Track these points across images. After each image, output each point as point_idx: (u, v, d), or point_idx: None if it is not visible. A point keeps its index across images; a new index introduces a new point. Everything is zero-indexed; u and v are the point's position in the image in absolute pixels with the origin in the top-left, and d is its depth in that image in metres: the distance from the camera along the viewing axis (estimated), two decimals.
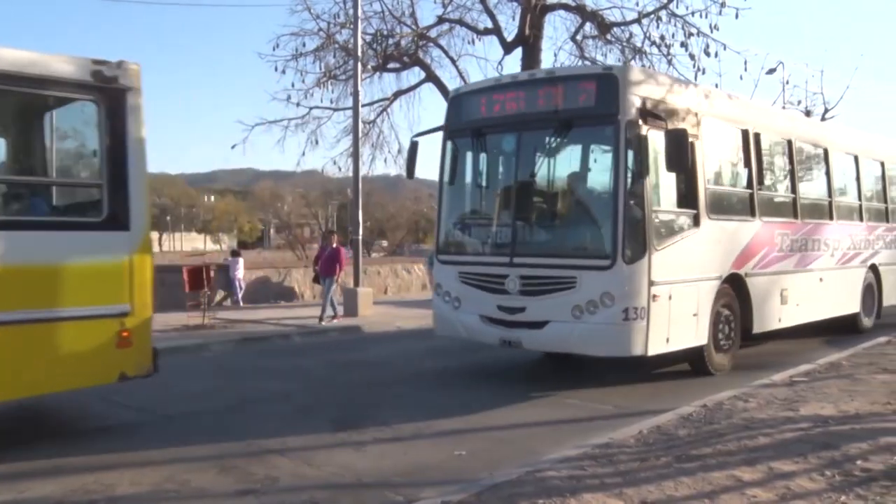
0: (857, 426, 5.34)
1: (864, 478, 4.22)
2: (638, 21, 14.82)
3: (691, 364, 8.11)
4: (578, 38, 15.82)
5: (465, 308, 7.89)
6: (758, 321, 8.67)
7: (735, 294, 8.32)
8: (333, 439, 5.56)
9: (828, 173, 10.71)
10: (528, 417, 6.29)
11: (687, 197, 7.70)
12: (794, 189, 9.77)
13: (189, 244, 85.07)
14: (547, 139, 7.60)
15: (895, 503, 3.86)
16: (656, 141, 7.23)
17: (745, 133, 8.86)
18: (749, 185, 8.84)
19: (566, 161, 8.13)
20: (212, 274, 14.71)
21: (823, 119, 28.89)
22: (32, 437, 5.96)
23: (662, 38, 14.49)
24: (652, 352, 7.00)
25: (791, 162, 9.79)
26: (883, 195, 12.61)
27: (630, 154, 7.05)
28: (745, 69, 15.27)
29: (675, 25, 14.36)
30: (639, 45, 14.99)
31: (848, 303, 10.96)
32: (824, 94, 28.64)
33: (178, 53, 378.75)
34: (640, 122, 7.12)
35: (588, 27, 15.79)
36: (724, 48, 14.30)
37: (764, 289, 8.82)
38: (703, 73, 14.38)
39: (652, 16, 14.45)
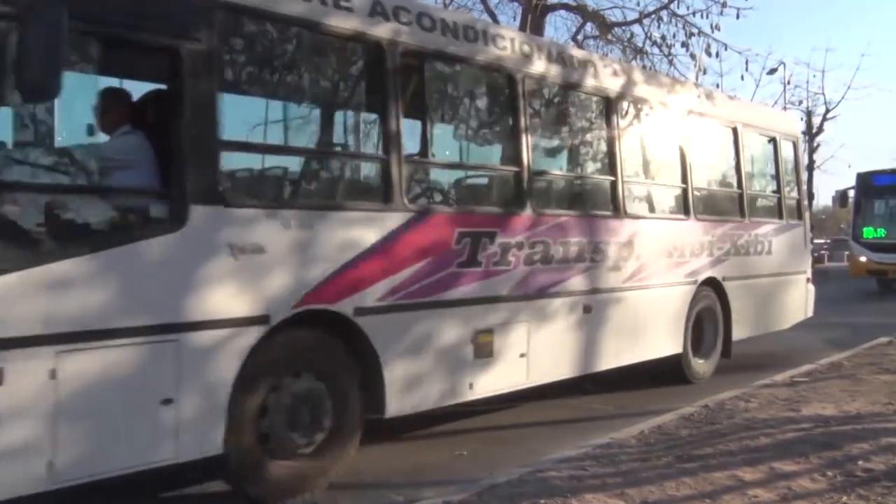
0: (859, 426, 5.33)
1: (866, 478, 4.21)
2: (639, 21, 14.85)
3: (230, 483, 4.38)
4: (579, 38, 15.83)
5: None
6: (400, 394, 4.84)
7: (334, 350, 4.57)
8: None
9: (612, 139, 6.71)
10: (528, 418, 6.29)
11: (166, 167, 4.02)
12: (519, 160, 5.76)
13: None
14: None
15: None
16: None
17: (380, 54, 4.90)
18: (385, 148, 4.92)
19: None
20: None
21: (825, 120, 28.95)
22: None
23: (663, 38, 14.50)
24: None
25: (516, 114, 5.81)
26: (737, 177, 8.41)
27: None
28: (747, 69, 15.32)
29: (676, 25, 14.37)
30: (640, 45, 15.01)
31: (659, 341, 7.13)
32: (825, 95, 28.66)
33: None
34: None
35: (589, 27, 15.81)
36: (726, 48, 14.33)
37: (416, 335, 4.96)
38: (705, 73, 14.41)
39: (653, 16, 14.47)
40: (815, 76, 28.80)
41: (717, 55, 14.30)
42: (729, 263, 8.01)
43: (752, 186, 8.73)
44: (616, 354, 6.62)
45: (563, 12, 15.97)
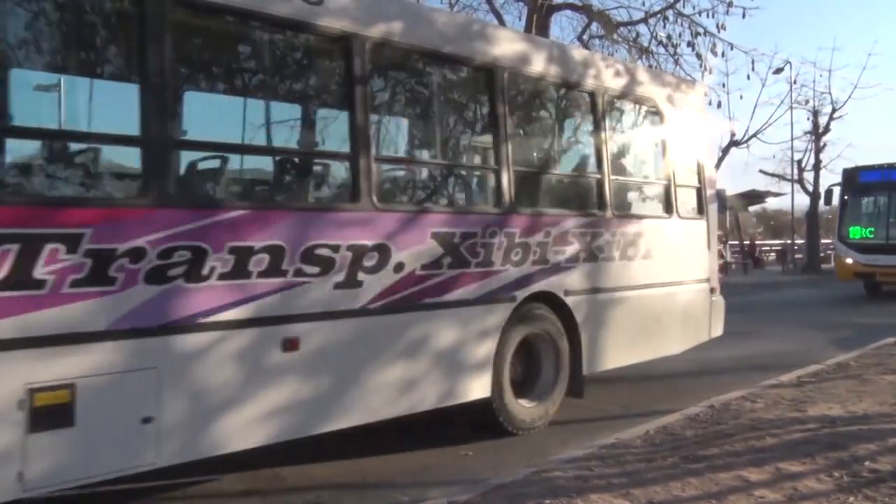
0: (865, 427, 5.31)
1: (872, 479, 4.20)
2: (644, 21, 14.85)
3: None
4: (585, 37, 15.82)
5: None
6: None
7: None
8: (339, 439, 5.55)
9: (351, 94, 4.64)
10: None
11: None
12: (150, 118, 3.79)
13: None
14: None
15: None
16: None
17: None
18: None
19: None
20: None
21: (832, 119, 28.87)
22: None
23: (669, 37, 14.50)
24: None
25: (143, 43, 3.82)
26: (595, 158, 6.38)
27: None
28: (753, 69, 15.31)
29: (681, 25, 14.38)
30: (645, 44, 15.00)
31: (444, 384, 5.14)
32: (832, 94, 28.59)
33: None
34: None
35: (595, 27, 15.80)
36: (731, 48, 14.34)
37: None
38: (710, 72, 14.40)
39: (658, 15, 14.47)
40: (821, 75, 28.72)
41: (723, 55, 14.33)
42: (576, 272, 6.00)
43: (620, 171, 6.71)
44: (358, 407, 4.63)
45: (568, 12, 15.98)
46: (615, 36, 15.36)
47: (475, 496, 4.07)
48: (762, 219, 56.41)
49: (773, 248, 38.13)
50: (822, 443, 4.92)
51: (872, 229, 17.79)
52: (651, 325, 6.78)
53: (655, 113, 7.09)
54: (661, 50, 14.73)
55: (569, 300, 5.97)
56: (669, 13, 14.37)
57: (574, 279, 6.01)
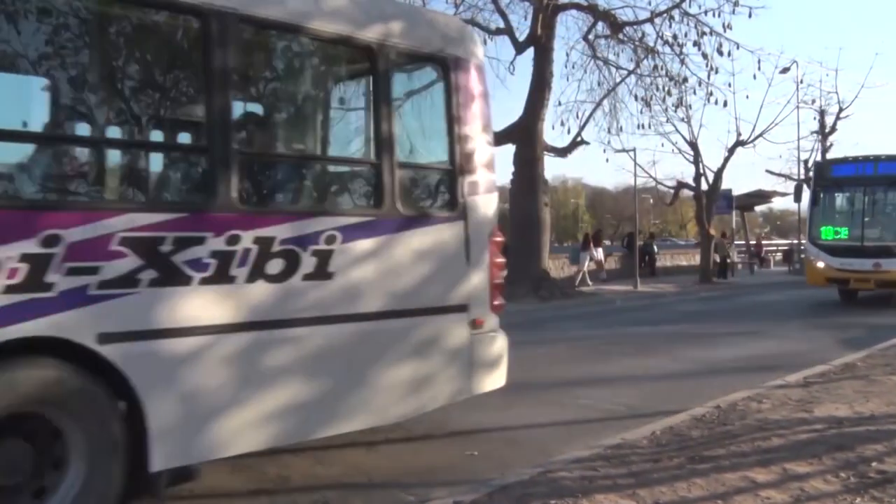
0: (873, 427, 5.30)
1: (880, 479, 4.19)
2: (650, 20, 14.88)
3: None
4: (590, 37, 15.85)
5: None
6: None
7: None
8: (345, 438, 5.57)
9: None
10: (539, 418, 6.28)
11: None
12: None
13: None
14: None
15: None
16: None
17: None
18: None
19: None
20: None
21: (838, 119, 28.78)
22: None
23: (675, 37, 14.54)
24: None
25: None
26: (208, 119, 3.93)
27: None
28: (759, 68, 15.33)
29: (687, 24, 14.43)
30: (651, 44, 15.01)
31: None
32: (839, 94, 28.51)
33: None
34: None
35: (600, 27, 15.82)
36: (738, 47, 14.37)
37: None
38: (717, 72, 14.39)
39: (664, 15, 14.49)
40: (827, 75, 28.68)
41: (729, 54, 14.34)
42: (133, 305, 3.57)
43: (265, 139, 4.77)
44: None
45: (574, 12, 15.99)
46: (621, 36, 15.37)
47: (481, 496, 4.07)
48: (768, 219, 56.27)
49: (780, 247, 38.03)
50: (829, 443, 4.91)
51: (846, 229, 15.88)
52: (321, 382, 4.37)
53: (362, 58, 4.73)
54: (667, 49, 14.75)
55: (110, 350, 3.51)
56: (675, 13, 14.41)
57: (125, 316, 3.57)
